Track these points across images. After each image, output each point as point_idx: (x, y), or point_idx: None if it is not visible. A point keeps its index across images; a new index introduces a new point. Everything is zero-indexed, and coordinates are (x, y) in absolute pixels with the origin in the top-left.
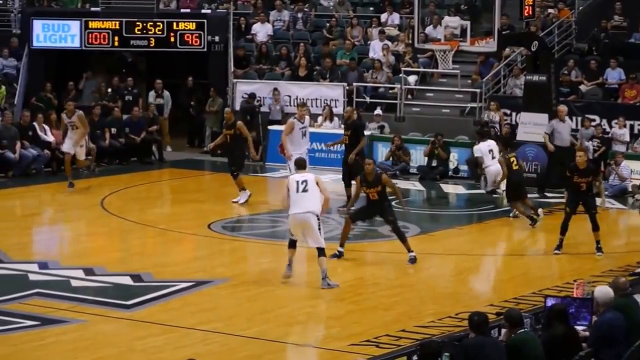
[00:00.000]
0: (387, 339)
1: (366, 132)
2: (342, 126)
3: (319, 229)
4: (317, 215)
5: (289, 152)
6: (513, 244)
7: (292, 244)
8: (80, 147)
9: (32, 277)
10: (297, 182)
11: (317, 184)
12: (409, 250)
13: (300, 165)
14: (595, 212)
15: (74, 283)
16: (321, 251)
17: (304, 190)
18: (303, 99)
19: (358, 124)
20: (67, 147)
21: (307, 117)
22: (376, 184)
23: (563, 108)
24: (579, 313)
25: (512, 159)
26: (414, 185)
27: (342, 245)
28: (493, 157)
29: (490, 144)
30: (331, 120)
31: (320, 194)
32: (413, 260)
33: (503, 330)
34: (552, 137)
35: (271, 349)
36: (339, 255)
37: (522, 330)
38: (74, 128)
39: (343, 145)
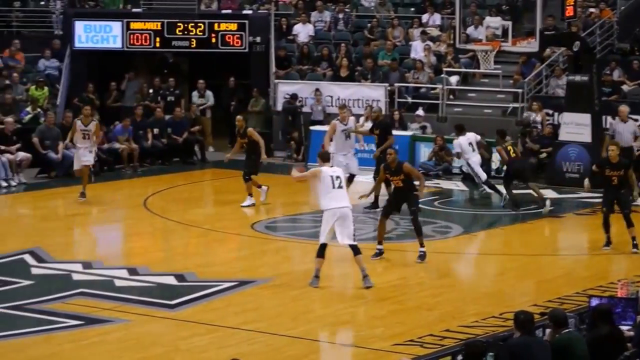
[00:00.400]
0: (431, 339)
1: (408, 133)
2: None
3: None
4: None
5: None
6: (556, 244)
7: (322, 253)
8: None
9: (75, 277)
10: (332, 177)
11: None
12: (421, 245)
13: (324, 158)
14: (629, 211)
15: (118, 283)
16: (355, 249)
17: (339, 187)
18: (344, 100)
19: (386, 124)
20: (86, 159)
21: (351, 119)
22: (398, 172)
23: (624, 108)
24: (625, 313)
25: (509, 147)
26: (457, 186)
27: (380, 243)
28: (473, 150)
29: (470, 137)
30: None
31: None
32: (423, 257)
33: (547, 330)
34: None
35: (315, 348)
36: (380, 254)
37: (567, 330)
38: (86, 137)
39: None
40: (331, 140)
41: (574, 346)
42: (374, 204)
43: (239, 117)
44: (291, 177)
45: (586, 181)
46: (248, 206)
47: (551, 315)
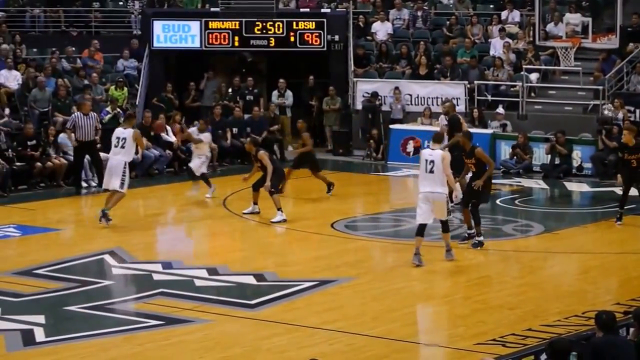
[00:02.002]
0: (513, 338)
1: (489, 131)
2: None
3: (447, 204)
4: (445, 194)
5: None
6: (639, 242)
7: (421, 231)
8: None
9: (156, 277)
10: (426, 161)
11: (443, 161)
12: (479, 234)
13: (434, 139)
14: None
15: (198, 283)
16: (445, 226)
17: (431, 171)
18: (423, 98)
19: (454, 119)
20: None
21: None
22: (471, 156)
23: None
24: None
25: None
26: (538, 184)
27: (470, 228)
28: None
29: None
30: None
31: (443, 173)
32: (477, 245)
33: (631, 330)
34: None
35: (397, 348)
36: (469, 237)
37: None
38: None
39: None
40: None
41: None
42: None
43: (247, 144)
44: None
45: (619, 177)
46: (279, 222)
47: (635, 314)
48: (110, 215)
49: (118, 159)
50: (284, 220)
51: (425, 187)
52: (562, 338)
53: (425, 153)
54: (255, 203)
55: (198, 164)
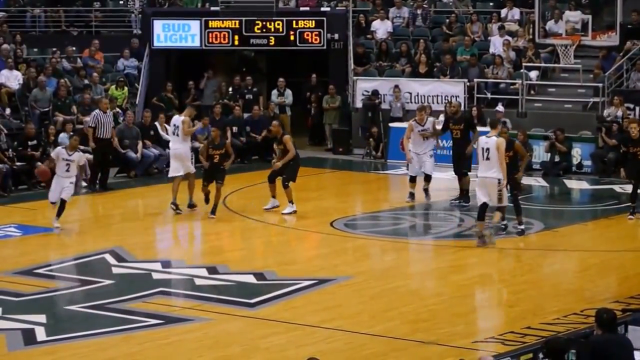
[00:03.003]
0: (512, 336)
1: (488, 128)
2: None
3: (500, 190)
4: (499, 179)
5: (409, 154)
6: (638, 240)
7: (481, 215)
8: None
9: (155, 275)
10: (483, 148)
11: (498, 148)
12: (520, 223)
13: (490, 124)
14: None
15: (198, 282)
16: (500, 208)
17: (487, 159)
18: (423, 103)
19: (467, 118)
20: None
21: (429, 119)
22: (510, 149)
23: None
24: None
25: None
26: (537, 181)
27: (520, 224)
28: None
29: None
30: None
31: (498, 159)
32: (521, 233)
33: (630, 327)
34: None
35: (396, 346)
36: (505, 228)
37: None
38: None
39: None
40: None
41: None
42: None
43: (275, 122)
44: None
45: (622, 171)
46: (289, 213)
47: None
48: (111, 214)
49: (179, 146)
50: (294, 212)
51: (480, 172)
52: (558, 337)
53: (482, 141)
54: (273, 196)
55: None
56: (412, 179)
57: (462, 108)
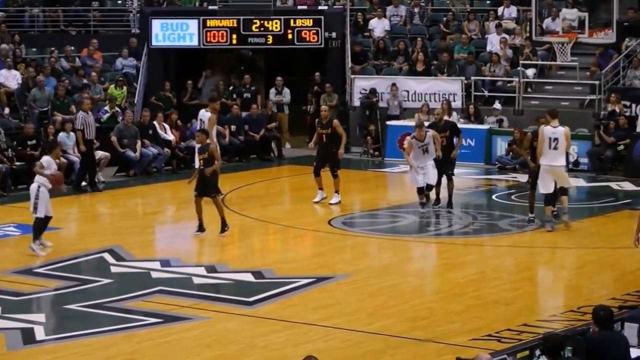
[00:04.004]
0: (508, 334)
1: (485, 126)
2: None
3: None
4: (564, 165)
5: (414, 166)
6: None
7: (548, 201)
8: None
9: (154, 274)
10: (550, 139)
11: (566, 137)
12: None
13: (550, 114)
14: None
15: (196, 280)
16: (563, 190)
17: (555, 148)
18: (419, 114)
19: (454, 124)
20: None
21: (428, 134)
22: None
23: None
24: None
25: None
26: None
27: (531, 212)
28: None
29: None
30: (449, 115)
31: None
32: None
33: (626, 324)
34: None
35: (393, 344)
36: (533, 220)
37: None
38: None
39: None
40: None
41: None
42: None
43: (324, 107)
44: None
45: None
46: (336, 203)
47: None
48: (110, 213)
49: None
50: (339, 202)
51: (547, 161)
52: (555, 333)
53: (548, 131)
54: (320, 189)
55: None
56: (420, 190)
57: (462, 105)
